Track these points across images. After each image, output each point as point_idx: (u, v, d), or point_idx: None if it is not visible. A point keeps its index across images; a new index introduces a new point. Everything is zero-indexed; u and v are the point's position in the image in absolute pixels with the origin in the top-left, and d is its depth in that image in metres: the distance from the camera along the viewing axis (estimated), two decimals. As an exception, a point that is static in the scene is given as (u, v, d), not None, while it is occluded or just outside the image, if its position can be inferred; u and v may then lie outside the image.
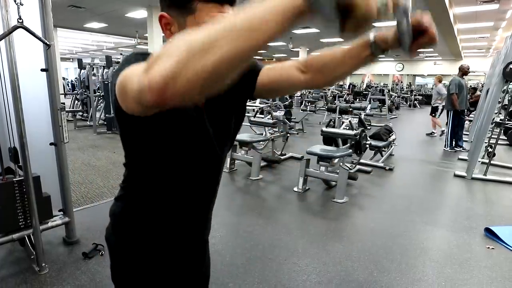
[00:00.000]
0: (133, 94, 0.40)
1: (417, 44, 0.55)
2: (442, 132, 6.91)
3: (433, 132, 6.98)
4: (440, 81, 7.18)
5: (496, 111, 4.12)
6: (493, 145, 4.14)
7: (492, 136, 4.41)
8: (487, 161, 4.03)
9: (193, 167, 0.69)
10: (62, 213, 2.15)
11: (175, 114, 0.59)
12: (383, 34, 0.59)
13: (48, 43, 1.81)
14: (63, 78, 12.89)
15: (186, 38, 0.35)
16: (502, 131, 4.45)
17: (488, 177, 3.88)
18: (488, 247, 2.30)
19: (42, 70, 1.91)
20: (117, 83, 0.47)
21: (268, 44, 0.36)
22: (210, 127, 0.66)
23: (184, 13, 0.59)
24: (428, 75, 21.22)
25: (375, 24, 0.48)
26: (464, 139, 5.81)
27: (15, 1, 1.60)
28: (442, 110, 6.78)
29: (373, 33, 0.60)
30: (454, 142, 5.55)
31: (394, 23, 0.53)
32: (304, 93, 12.67)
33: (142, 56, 0.53)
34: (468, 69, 5.34)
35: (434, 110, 6.91)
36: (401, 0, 0.43)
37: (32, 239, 1.89)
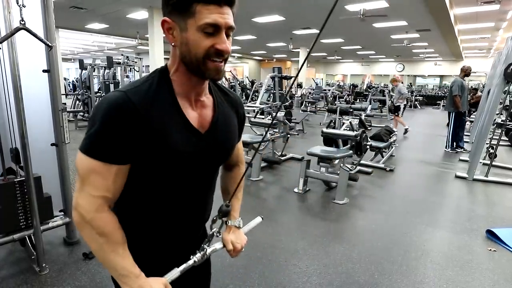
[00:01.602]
0: (74, 200, 0.65)
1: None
2: (406, 130, 7.06)
3: (407, 129, 7.11)
4: (397, 81, 7.45)
5: (497, 112, 4.11)
6: (494, 146, 4.13)
7: (494, 137, 4.39)
8: (488, 162, 4.02)
9: (184, 181, 0.72)
10: (62, 213, 2.15)
11: (167, 145, 0.64)
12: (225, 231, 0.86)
13: (49, 44, 1.82)
14: (64, 79, 12.91)
15: (102, 250, 0.64)
16: (503, 132, 4.43)
17: (490, 178, 3.87)
18: (490, 249, 2.29)
19: (44, 71, 1.92)
20: (76, 161, 0.64)
21: None
22: (205, 154, 0.71)
23: (185, 17, 0.60)
24: (429, 75, 21.19)
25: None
26: (465, 140, 5.80)
27: (17, 3, 1.60)
28: (404, 109, 7.00)
29: (227, 223, 0.88)
30: (455, 143, 5.54)
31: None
32: (305, 93, 12.67)
33: (99, 135, 0.61)
34: (470, 70, 5.32)
35: (396, 110, 7.03)
36: None
37: (33, 239, 1.89)
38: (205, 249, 0.74)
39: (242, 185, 0.84)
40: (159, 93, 0.64)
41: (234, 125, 0.79)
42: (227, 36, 0.62)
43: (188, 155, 0.67)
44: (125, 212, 0.72)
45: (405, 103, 7.11)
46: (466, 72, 5.29)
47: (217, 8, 0.59)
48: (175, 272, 0.70)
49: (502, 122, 4.16)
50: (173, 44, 0.64)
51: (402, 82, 7.70)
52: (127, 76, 10.10)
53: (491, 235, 2.46)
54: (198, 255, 0.73)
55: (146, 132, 0.61)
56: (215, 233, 0.75)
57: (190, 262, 0.72)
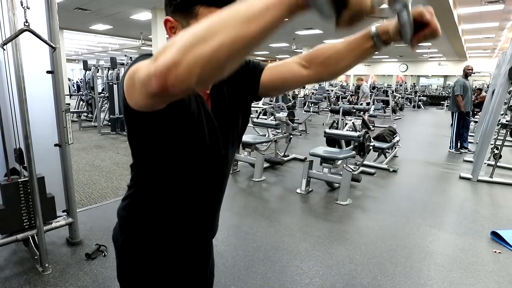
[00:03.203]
0: (140, 84, 0.42)
1: (419, 37, 0.55)
2: None
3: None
4: (362, 81, 7.47)
5: (502, 112, 4.07)
6: (499, 147, 4.09)
7: (498, 137, 4.35)
8: (493, 163, 3.98)
9: (199, 167, 0.69)
10: (65, 213, 2.17)
11: (182, 114, 0.60)
12: (385, 25, 0.59)
13: (53, 46, 1.83)
14: (69, 79, 13.03)
15: (189, 30, 0.37)
16: (508, 133, 4.39)
17: (494, 179, 3.83)
18: (495, 251, 2.27)
19: (48, 72, 1.93)
20: (125, 78, 0.50)
21: (266, 36, 0.37)
22: (217, 128, 0.68)
23: (187, 17, 0.60)
24: (432, 75, 21.04)
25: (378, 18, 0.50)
26: (469, 140, 5.75)
27: (21, 5, 1.62)
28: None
29: (375, 25, 0.60)
30: (459, 144, 5.49)
31: (395, 15, 0.53)
32: (307, 94, 12.65)
33: (150, 55, 0.54)
34: (471, 70, 5.28)
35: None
36: None
37: (36, 239, 1.90)
38: None
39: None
40: None
41: (237, 99, 0.73)
42: None
43: (204, 129, 0.65)
44: (143, 201, 0.72)
45: (369, 101, 7.14)
46: (465, 72, 5.26)
47: (218, 10, 0.59)
48: None
49: (506, 123, 4.11)
50: None
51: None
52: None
53: (496, 237, 2.43)
54: None
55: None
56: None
57: None
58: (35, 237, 1.91)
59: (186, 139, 0.64)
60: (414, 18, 0.52)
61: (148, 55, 0.55)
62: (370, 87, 14.81)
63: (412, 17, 0.51)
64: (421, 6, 0.54)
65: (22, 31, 1.63)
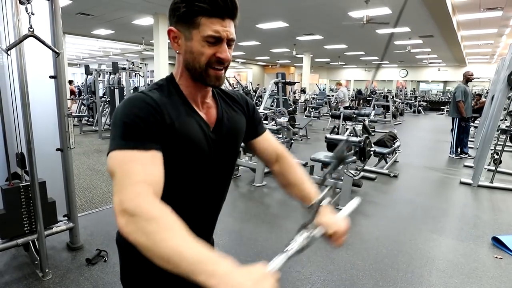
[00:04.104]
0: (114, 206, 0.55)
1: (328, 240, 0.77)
2: None
3: None
4: (340, 85, 7.58)
5: (501, 118, 4.08)
6: (499, 152, 4.09)
7: (498, 143, 4.36)
8: (493, 168, 3.98)
9: (200, 177, 0.73)
10: (66, 218, 2.16)
11: (187, 140, 0.66)
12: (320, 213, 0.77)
13: (57, 51, 1.85)
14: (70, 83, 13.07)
15: (157, 239, 0.49)
16: (508, 138, 4.40)
17: (495, 184, 3.83)
18: (496, 257, 2.26)
19: (51, 77, 1.95)
20: (108, 166, 0.59)
21: None
22: (217, 139, 0.74)
23: (190, 27, 0.64)
24: (432, 81, 21.14)
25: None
26: (469, 145, 5.76)
27: (26, 11, 1.64)
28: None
29: (317, 200, 0.78)
30: (459, 149, 5.50)
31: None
32: (308, 99, 12.69)
33: (127, 127, 0.60)
34: (472, 75, 5.31)
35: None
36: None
37: (36, 244, 1.90)
38: (310, 232, 0.68)
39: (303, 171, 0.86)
40: (171, 95, 0.68)
41: (240, 124, 0.81)
42: (229, 46, 0.66)
43: (200, 144, 0.69)
44: None
45: (346, 106, 7.23)
46: (467, 78, 5.28)
47: (219, 21, 0.63)
48: (280, 260, 0.60)
49: (506, 128, 4.13)
50: (178, 52, 0.68)
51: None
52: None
53: (497, 242, 2.42)
54: (305, 235, 0.67)
55: (165, 123, 0.64)
56: (318, 204, 0.71)
57: (296, 246, 0.65)
58: (36, 242, 1.91)
59: (188, 160, 0.68)
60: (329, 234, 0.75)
61: (128, 125, 0.60)
62: (369, 91, 14.88)
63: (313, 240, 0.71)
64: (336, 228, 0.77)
65: (26, 36, 1.65)
